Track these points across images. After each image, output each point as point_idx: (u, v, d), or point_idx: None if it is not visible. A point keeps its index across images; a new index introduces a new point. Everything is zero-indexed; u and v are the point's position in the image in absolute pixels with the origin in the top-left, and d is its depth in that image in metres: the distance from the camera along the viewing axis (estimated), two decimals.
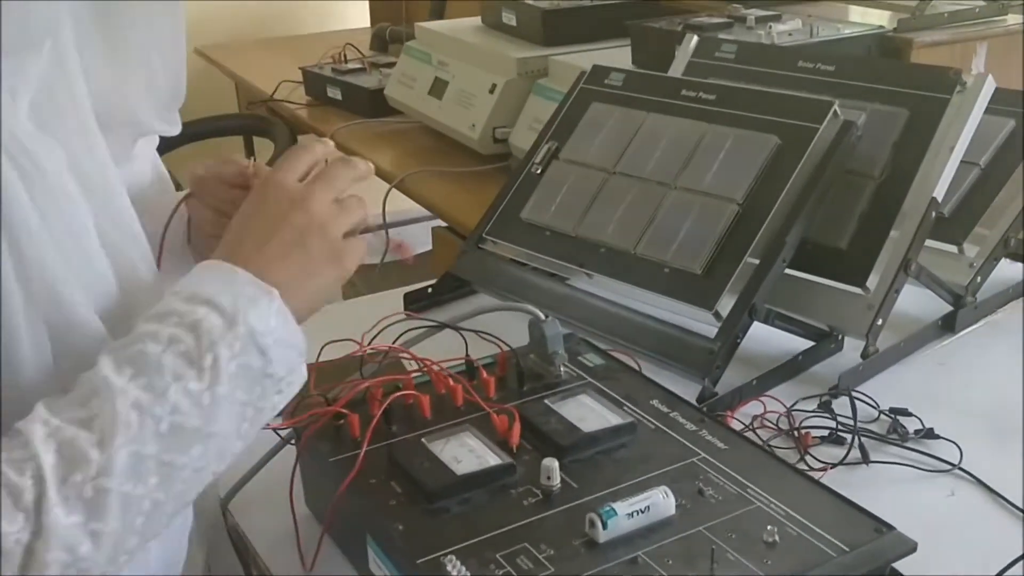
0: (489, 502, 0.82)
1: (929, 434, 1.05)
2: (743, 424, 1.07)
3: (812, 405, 1.10)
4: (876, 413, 1.09)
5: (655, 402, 0.95)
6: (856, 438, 1.02)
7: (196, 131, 2.93)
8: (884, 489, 0.97)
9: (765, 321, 1.13)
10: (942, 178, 1.18)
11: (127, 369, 0.67)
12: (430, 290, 1.36)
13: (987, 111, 1.21)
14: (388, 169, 2.36)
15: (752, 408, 1.10)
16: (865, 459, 1.01)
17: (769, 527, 0.76)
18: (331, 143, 0.88)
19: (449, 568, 0.74)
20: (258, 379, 0.71)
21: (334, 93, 2.68)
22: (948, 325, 1.25)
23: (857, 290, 1.18)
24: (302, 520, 0.91)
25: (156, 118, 0.85)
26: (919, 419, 1.07)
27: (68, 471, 0.63)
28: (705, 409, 1.06)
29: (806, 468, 0.99)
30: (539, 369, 1.00)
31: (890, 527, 0.77)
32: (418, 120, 2.41)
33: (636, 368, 1.08)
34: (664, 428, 0.91)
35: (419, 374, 0.95)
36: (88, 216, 0.73)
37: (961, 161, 1.20)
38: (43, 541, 0.61)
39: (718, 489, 0.82)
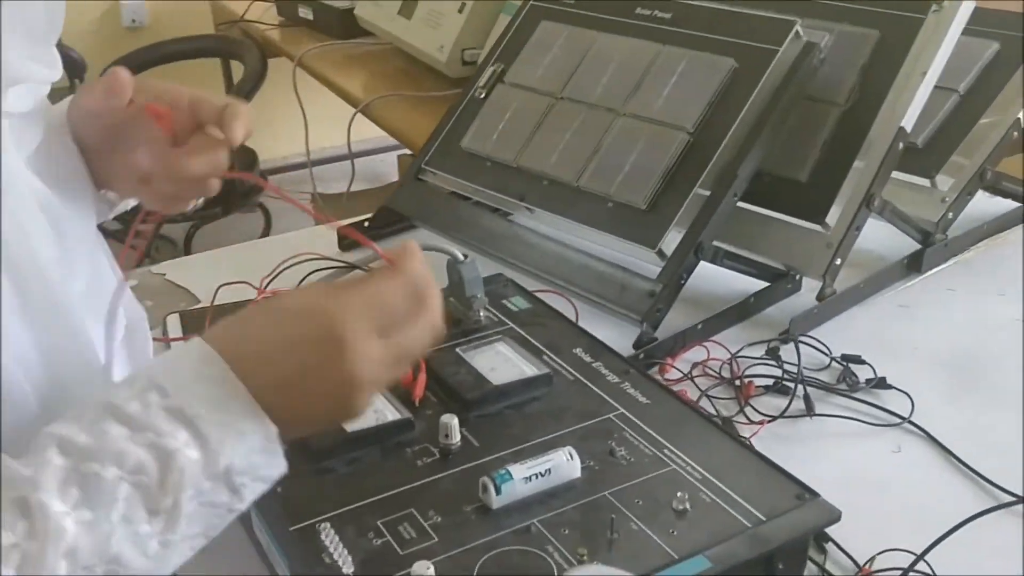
0: (381, 462, 0.75)
1: (881, 384, 0.97)
2: (682, 372, 0.99)
3: (760, 352, 1.03)
4: (827, 360, 1.02)
5: (578, 351, 0.88)
6: (800, 387, 0.95)
7: (164, 52, 2.82)
8: (827, 444, 0.90)
9: (713, 261, 1.05)
10: (912, 105, 1.09)
11: (73, 492, 0.53)
12: (366, 224, 1.28)
13: (967, 33, 1.11)
14: (356, 94, 2.26)
15: (695, 354, 1.03)
16: (809, 411, 0.94)
17: (680, 493, 0.69)
18: (416, 286, 0.63)
19: (323, 536, 0.67)
20: (220, 514, 0.57)
21: (305, 13, 2.57)
22: (914, 265, 1.17)
23: (816, 227, 1.09)
24: None
25: (28, 58, 0.64)
26: (872, 367, 0.99)
27: None
28: (641, 356, 0.99)
29: (745, 421, 0.92)
30: (457, 314, 0.92)
31: (813, 493, 0.70)
32: (389, 42, 2.31)
33: (572, 312, 1.00)
34: (584, 380, 0.84)
35: None
36: None
37: (937, 87, 1.11)
38: None
39: (632, 449, 0.75)
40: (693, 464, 0.73)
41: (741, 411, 0.94)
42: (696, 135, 1.06)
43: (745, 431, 0.91)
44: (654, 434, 0.77)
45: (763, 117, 1.06)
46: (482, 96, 1.25)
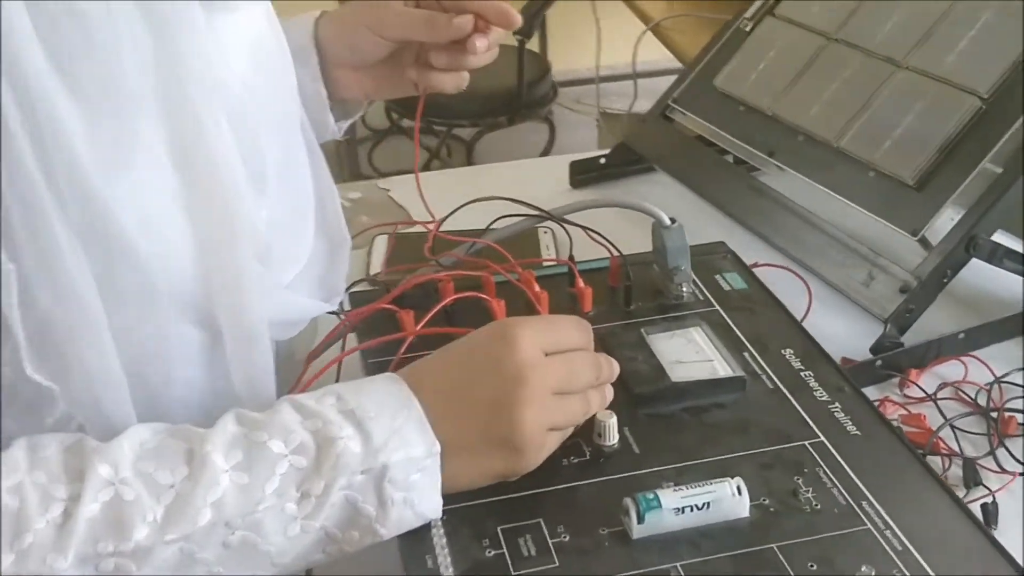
0: None
1: None
2: (925, 393, 0.82)
3: None
4: None
5: (788, 353, 0.73)
6: None
7: None
8: None
9: (990, 260, 0.86)
10: None
11: (237, 454, 0.54)
12: (602, 160, 1.16)
13: None
14: (650, 11, 2.13)
15: (948, 370, 0.85)
16: None
17: (865, 568, 0.55)
18: (591, 334, 0.66)
19: (433, 534, 0.59)
20: (362, 525, 0.56)
21: None
22: None
23: None
24: None
25: None
26: None
27: (102, 533, 0.50)
28: (879, 364, 0.82)
29: (995, 468, 0.74)
30: (658, 285, 0.80)
31: None
32: None
33: (806, 296, 0.85)
34: (785, 391, 0.70)
35: (499, 271, 0.78)
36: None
37: None
38: None
39: (822, 493, 0.61)
40: (895, 527, 0.58)
41: (992, 453, 0.76)
42: (991, 102, 0.86)
43: (992, 481, 0.74)
44: (854, 478, 0.62)
45: None
46: (748, 28, 1.09)
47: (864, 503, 0.60)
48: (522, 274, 0.78)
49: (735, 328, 0.76)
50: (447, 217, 0.80)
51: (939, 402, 0.81)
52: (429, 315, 0.72)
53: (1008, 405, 0.80)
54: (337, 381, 0.76)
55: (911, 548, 0.57)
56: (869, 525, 0.59)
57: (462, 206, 0.80)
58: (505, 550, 0.58)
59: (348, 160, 2.82)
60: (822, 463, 0.63)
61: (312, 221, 0.70)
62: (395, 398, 0.58)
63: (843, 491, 0.61)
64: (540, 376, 0.60)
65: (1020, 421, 0.79)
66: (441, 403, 0.58)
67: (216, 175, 0.57)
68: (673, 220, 0.78)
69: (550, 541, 0.58)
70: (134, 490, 0.51)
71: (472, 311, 0.76)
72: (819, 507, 0.60)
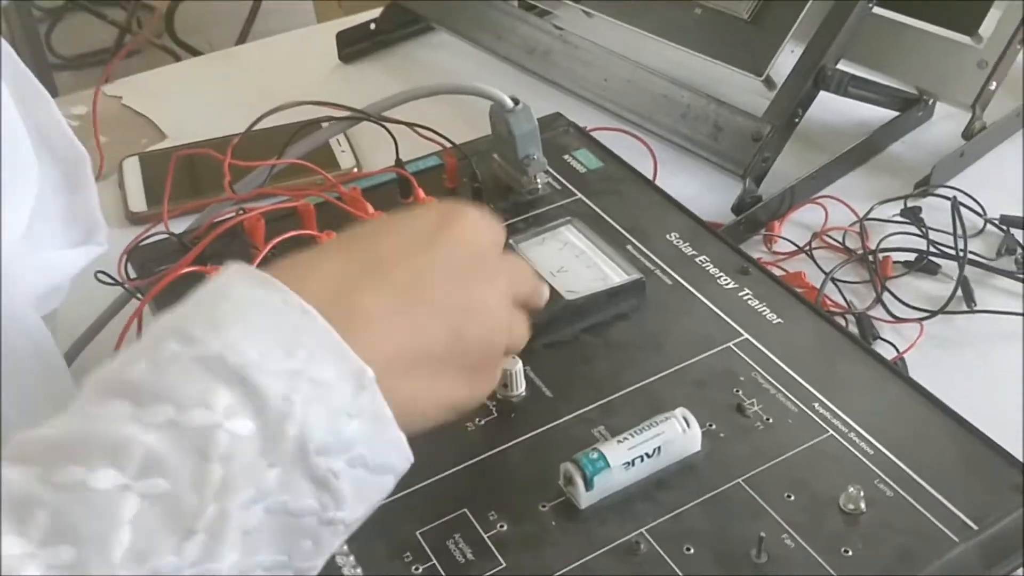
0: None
1: None
2: (795, 245, 0.76)
3: (892, 211, 0.79)
4: (981, 223, 0.78)
5: (674, 237, 0.64)
6: (960, 267, 0.72)
7: None
8: (996, 354, 0.68)
9: (838, 90, 0.79)
10: None
11: (38, 522, 0.32)
12: (373, 26, 1.00)
13: None
14: None
15: (808, 216, 0.79)
16: (969, 302, 0.71)
17: (852, 488, 0.48)
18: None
19: (337, 560, 0.46)
20: (313, 530, 0.37)
21: None
22: None
23: (965, 39, 0.83)
24: None
25: None
26: None
27: None
28: (742, 226, 0.75)
29: (888, 317, 0.70)
30: (506, 179, 0.68)
31: None
32: None
33: (651, 162, 0.76)
34: (687, 286, 0.61)
35: (318, 194, 0.63)
36: None
37: None
38: None
39: (768, 402, 0.53)
40: (857, 428, 0.52)
41: (879, 301, 0.71)
42: None
43: (887, 332, 0.69)
44: (796, 376, 0.54)
45: None
46: None
47: (816, 404, 0.53)
48: (345, 193, 0.63)
49: (607, 217, 0.65)
50: (241, 135, 0.62)
51: (814, 253, 0.75)
52: None
53: (883, 245, 0.75)
54: None
55: (885, 451, 0.50)
56: (831, 431, 0.52)
57: (261, 118, 0.63)
58: (435, 561, 0.46)
59: (29, 48, 2.43)
60: (756, 366, 0.55)
61: (28, 146, 0.53)
62: (276, 311, 0.37)
63: (789, 395, 0.53)
64: (508, 274, 0.46)
65: (895, 260, 0.75)
66: (357, 301, 0.40)
67: None
68: (516, 101, 0.66)
69: (486, 536, 0.47)
70: None
71: (296, 251, 0.61)
72: (771, 420, 0.52)
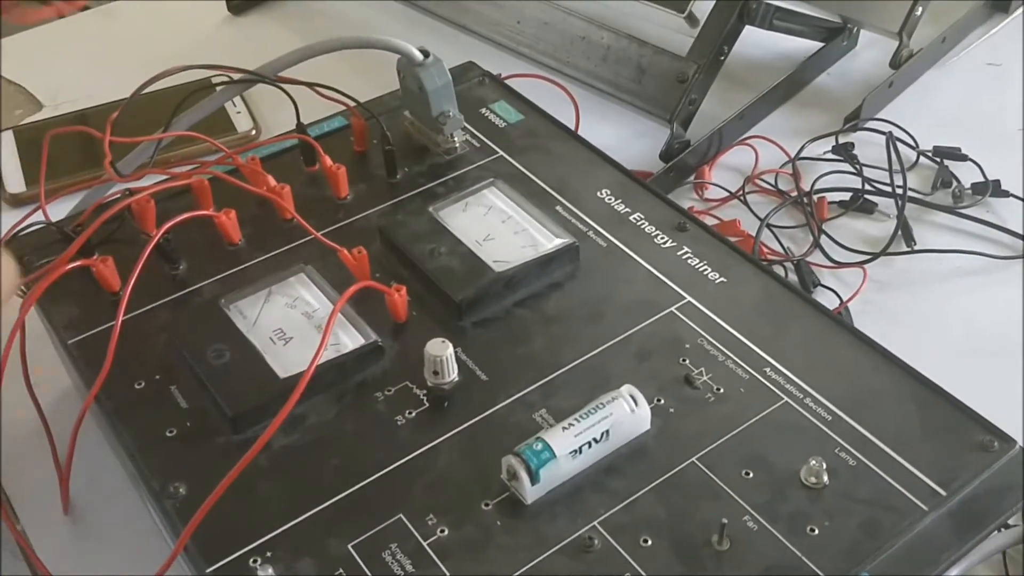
0: (335, 422, 0.48)
1: (996, 191, 0.72)
2: (727, 191, 0.72)
3: (823, 148, 0.76)
4: (914, 156, 0.75)
5: (605, 193, 0.60)
6: (900, 208, 0.69)
7: None
8: (940, 294, 0.66)
9: (763, 23, 0.75)
10: None
11: None
12: None
13: None
14: None
15: (738, 159, 0.76)
16: (909, 242, 0.69)
17: (815, 461, 0.45)
18: None
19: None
20: None
21: None
22: (1001, 4, 0.89)
23: None
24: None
25: None
26: (978, 165, 0.74)
27: None
28: (672, 173, 0.71)
29: (827, 262, 0.67)
30: (420, 139, 0.63)
31: (1007, 439, 0.46)
32: None
33: (571, 109, 0.71)
34: (622, 247, 0.56)
35: (210, 173, 0.57)
36: None
37: None
38: None
39: (717, 370, 0.50)
40: (812, 392, 0.49)
41: (817, 246, 0.68)
42: None
43: (827, 278, 0.66)
44: (744, 340, 0.51)
45: None
46: None
47: (767, 369, 0.50)
48: (243, 165, 0.58)
49: (533, 176, 0.61)
50: (121, 107, 0.56)
51: (747, 197, 0.72)
52: (140, 260, 0.50)
53: (817, 186, 0.72)
54: (26, 379, 0.55)
55: (842, 415, 0.47)
56: (786, 397, 0.48)
57: (142, 87, 0.56)
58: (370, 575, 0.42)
59: None
60: (701, 331, 0.52)
61: None
62: None
63: (739, 361, 0.50)
64: None
65: (830, 201, 0.72)
66: None
67: None
68: (426, 53, 0.60)
69: (425, 543, 0.43)
70: None
71: (192, 234, 0.56)
72: (721, 390, 0.49)
